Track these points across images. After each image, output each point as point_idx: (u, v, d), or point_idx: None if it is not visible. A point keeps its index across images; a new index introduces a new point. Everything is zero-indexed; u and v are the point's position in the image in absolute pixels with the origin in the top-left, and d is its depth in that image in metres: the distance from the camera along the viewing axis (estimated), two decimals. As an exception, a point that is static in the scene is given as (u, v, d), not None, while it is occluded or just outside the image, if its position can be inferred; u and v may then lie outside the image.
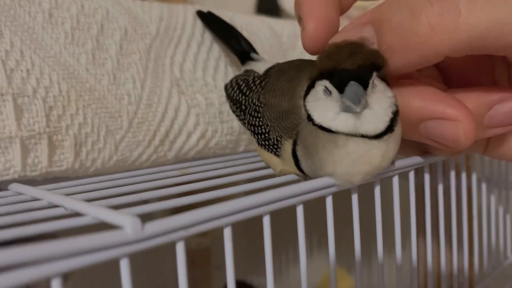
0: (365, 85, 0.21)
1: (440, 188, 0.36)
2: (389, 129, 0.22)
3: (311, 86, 0.23)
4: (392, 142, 0.22)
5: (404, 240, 0.30)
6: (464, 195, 0.42)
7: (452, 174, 0.41)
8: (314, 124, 0.23)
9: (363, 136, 0.22)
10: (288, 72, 0.27)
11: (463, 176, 0.43)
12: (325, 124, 0.22)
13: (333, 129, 0.22)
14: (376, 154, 0.22)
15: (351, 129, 0.22)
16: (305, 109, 0.23)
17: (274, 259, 0.72)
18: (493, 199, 0.50)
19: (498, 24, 0.19)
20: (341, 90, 0.21)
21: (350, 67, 0.20)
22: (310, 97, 0.23)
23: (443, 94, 0.23)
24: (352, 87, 0.21)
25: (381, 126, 0.22)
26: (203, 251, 0.63)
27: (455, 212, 0.39)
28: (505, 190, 0.53)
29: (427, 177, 0.32)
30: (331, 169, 0.23)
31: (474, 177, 0.46)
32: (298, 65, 0.27)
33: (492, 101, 0.24)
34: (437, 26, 0.19)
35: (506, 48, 0.20)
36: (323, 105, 0.22)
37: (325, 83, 0.22)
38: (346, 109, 0.21)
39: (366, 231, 0.28)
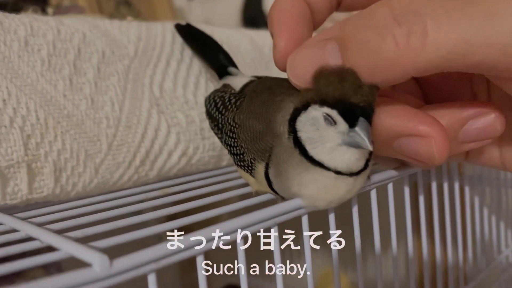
0: (370, 123, 0.21)
1: (434, 186, 0.37)
2: (365, 166, 0.22)
3: (301, 109, 0.22)
4: (360, 178, 0.23)
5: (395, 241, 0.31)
6: (457, 192, 0.43)
7: (445, 173, 0.42)
8: (304, 155, 0.22)
9: (341, 172, 0.22)
10: (262, 94, 0.27)
11: (456, 174, 0.43)
12: (318, 157, 0.21)
13: (325, 164, 0.21)
14: (342, 188, 0.22)
15: (345, 166, 0.21)
16: (296, 134, 0.22)
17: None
18: (485, 196, 0.51)
19: (464, 43, 0.19)
20: (352, 124, 0.20)
21: (359, 102, 0.20)
22: (303, 122, 0.22)
23: (415, 111, 0.23)
24: (363, 123, 0.20)
25: (362, 164, 0.22)
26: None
27: (448, 210, 0.40)
28: (497, 187, 0.53)
29: (406, 190, 0.33)
30: (297, 190, 0.23)
31: (466, 175, 0.47)
32: (270, 86, 0.27)
33: (466, 117, 0.24)
34: (405, 46, 0.19)
35: (474, 66, 0.20)
36: (322, 134, 0.21)
37: (331, 112, 0.21)
38: (354, 144, 0.21)
39: (364, 231, 0.28)
